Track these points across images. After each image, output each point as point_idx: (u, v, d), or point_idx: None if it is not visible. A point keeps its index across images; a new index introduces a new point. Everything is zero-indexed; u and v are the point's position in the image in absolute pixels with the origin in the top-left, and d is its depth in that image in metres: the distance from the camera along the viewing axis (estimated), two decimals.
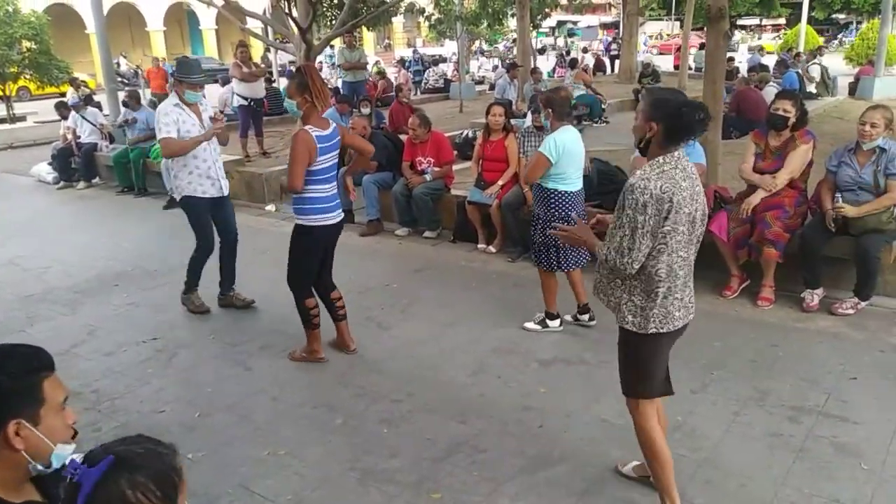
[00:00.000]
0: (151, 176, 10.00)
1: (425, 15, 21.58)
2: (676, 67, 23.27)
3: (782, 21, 47.36)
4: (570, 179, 4.62)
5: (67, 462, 1.37)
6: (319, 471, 3.34)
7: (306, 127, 4.09)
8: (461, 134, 10.55)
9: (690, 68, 21.84)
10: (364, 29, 29.77)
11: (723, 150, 7.10)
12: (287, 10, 11.43)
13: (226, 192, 5.33)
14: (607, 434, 3.50)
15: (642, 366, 2.80)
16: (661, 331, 2.68)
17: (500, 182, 6.42)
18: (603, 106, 14.35)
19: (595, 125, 13.70)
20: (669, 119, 2.58)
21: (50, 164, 11.30)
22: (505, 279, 5.80)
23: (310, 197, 4.20)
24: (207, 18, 38.78)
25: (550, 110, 4.61)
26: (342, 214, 4.42)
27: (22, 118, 19.43)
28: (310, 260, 4.38)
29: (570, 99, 4.64)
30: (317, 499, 3.15)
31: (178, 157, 5.09)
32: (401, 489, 3.18)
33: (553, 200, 4.61)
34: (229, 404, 4.02)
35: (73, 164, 11.06)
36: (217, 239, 5.42)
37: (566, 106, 4.66)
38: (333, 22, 15.34)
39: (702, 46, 21.62)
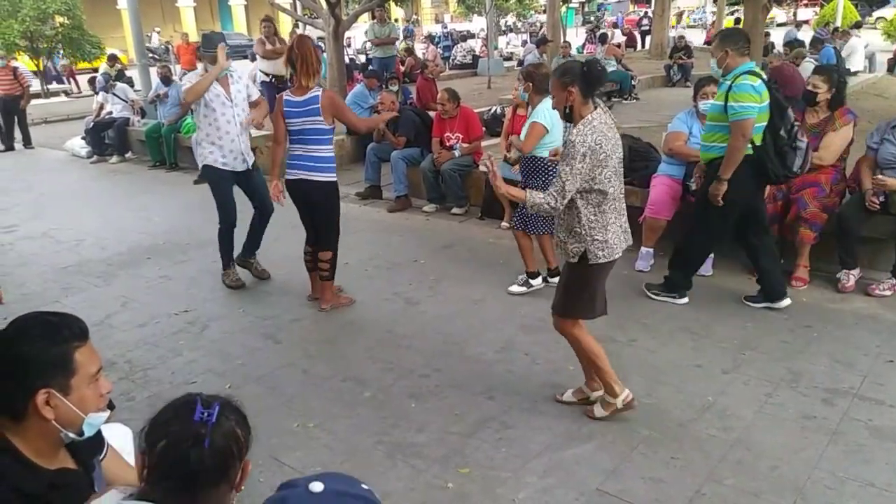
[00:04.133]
0: (183, 151, 10.06)
1: None
2: (707, 43, 22.77)
3: None
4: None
5: (195, 402, 1.48)
6: (348, 443, 3.37)
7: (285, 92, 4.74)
8: (489, 110, 10.46)
9: None
10: (392, 4, 29.56)
11: None
12: None
13: (250, 166, 5.29)
14: (635, 412, 3.47)
15: (591, 291, 3.35)
16: (615, 256, 3.23)
17: None
18: (633, 82, 14.11)
19: (625, 102, 13.51)
20: (580, 78, 3.10)
21: (83, 138, 11.44)
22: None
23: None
24: None
25: (531, 84, 4.85)
26: (297, 174, 4.71)
27: (56, 93, 19.70)
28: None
29: (549, 76, 4.81)
30: (345, 471, 3.14)
31: (202, 128, 5.16)
32: (428, 463, 3.19)
33: (543, 168, 4.83)
34: (259, 376, 4.06)
35: (107, 139, 11.20)
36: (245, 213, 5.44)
37: (545, 82, 4.80)
38: None
39: (737, 21, 21.16)
